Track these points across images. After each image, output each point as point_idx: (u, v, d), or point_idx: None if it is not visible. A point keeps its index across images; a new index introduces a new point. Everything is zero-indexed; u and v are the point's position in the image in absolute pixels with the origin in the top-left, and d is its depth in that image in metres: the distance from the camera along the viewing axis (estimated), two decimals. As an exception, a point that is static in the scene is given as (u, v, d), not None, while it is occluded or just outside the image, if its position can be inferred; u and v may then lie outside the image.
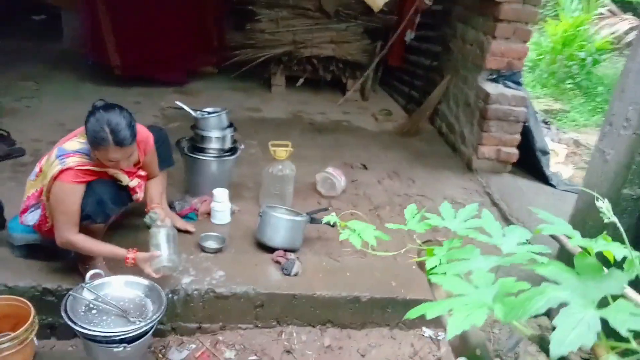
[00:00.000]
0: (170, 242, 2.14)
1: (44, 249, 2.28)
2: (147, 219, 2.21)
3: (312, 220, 2.65)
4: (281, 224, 2.51)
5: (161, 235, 2.14)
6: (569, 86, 7.29)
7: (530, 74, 7.68)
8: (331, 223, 2.65)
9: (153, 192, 2.33)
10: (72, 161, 1.96)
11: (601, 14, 8.70)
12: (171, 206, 2.76)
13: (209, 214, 2.81)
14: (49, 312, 2.18)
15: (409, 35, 5.19)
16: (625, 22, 8.23)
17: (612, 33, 8.09)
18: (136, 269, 2.12)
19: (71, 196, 1.95)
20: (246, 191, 3.20)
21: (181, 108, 2.84)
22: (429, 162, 3.92)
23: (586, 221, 2.26)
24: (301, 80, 5.21)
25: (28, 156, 3.32)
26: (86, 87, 4.85)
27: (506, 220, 3.14)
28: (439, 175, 3.72)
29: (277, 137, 4.07)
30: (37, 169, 2.11)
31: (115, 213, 2.13)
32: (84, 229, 2.04)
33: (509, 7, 3.56)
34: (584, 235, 0.95)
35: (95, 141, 1.91)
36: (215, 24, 5.11)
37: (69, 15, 5.71)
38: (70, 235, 2.00)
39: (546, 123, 5.66)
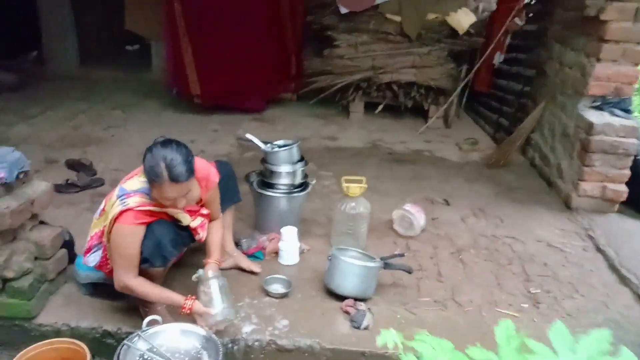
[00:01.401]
0: (223, 294, 2.00)
1: (109, 287, 2.22)
2: (195, 277, 2.08)
3: (387, 266, 2.41)
4: (351, 270, 2.29)
5: (213, 290, 2.00)
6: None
7: (635, 97, 6.93)
8: (409, 271, 2.43)
9: (210, 240, 2.20)
10: (133, 201, 1.88)
11: None
12: (238, 244, 2.64)
13: (276, 252, 2.66)
14: (109, 355, 2.10)
15: (498, 58, 4.84)
16: None
17: None
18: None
19: (130, 239, 1.87)
20: (317, 228, 3.02)
21: (250, 141, 2.73)
22: (520, 198, 3.54)
23: None
24: (380, 107, 5.01)
25: (107, 186, 3.37)
26: (168, 115, 4.97)
27: (614, 270, 2.70)
28: (531, 214, 3.33)
29: (353, 168, 3.92)
30: (101, 207, 2.07)
31: (174, 256, 2.03)
32: (143, 272, 1.95)
33: (617, 25, 3.15)
34: None
35: (151, 177, 1.84)
36: (294, 51, 5.06)
37: (158, 46, 5.94)
38: (128, 280, 1.92)
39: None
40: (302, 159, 2.76)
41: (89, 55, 6.68)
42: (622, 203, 3.29)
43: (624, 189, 3.24)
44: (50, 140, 4.13)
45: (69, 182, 3.29)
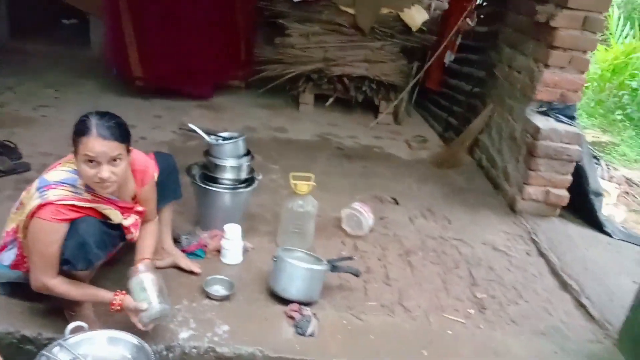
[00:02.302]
0: (158, 289, 1.85)
1: (29, 287, 2.00)
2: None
3: (334, 269, 2.32)
4: (298, 273, 2.19)
5: (146, 284, 1.84)
6: (618, 117, 6.78)
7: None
8: (356, 274, 2.35)
9: (142, 242, 2.02)
10: (54, 194, 1.68)
11: (656, 41, 8.15)
12: (177, 241, 2.47)
13: (219, 251, 2.51)
14: (27, 363, 1.90)
15: (449, 57, 4.85)
16: (682, 51, 7.66)
17: (669, 62, 7.54)
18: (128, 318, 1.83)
19: (49, 236, 1.68)
20: (263, 224, 2.89)
21: (194, 131, 2.56)
22: (467, 200, 3.55)
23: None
24: (331, 100, 4.91)
25: (34, 172, 3.08)
26: (108, 98, 4.65)
27: (556, 275, 2.74)
28: (478, 216, 3.34)
29: (302, 162, 3.81)
30: (19, 200, 1.85)
31: (101, 259, 1.83)
32: (65, 274, 1.76)
33: (566, 33, 3.19)
34: None
35: (76, 132, 1.69)
36: (244, 36, 4.85)
37: (97, 21, 5.56)
38: (46, 279, 1.73)
39: (595, 158, 5.20)
40: (248, 152, 2.61)
41: (21, 26, 6.15)
42: (563, 208, 3.37)
43: (566, 194, 3.31)
44: (-29, 119, 3.76)
45: (-11, 166, 2.99)
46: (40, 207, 1.67)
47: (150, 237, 2.04)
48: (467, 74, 4.49)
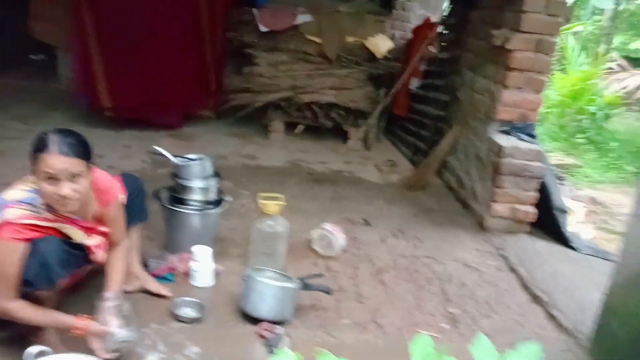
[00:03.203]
0: (124, 315, 1.81)
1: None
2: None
3: (305, 287, 2.31)
4: (268, 291, 2.16)
5: (111, 308, 1.80)
6: (580, 140, 7.04)
7: (539, 127, 7.45)
8: (328, 292, 2.34)
9: (110, 269, 1.98)
10: (12, 214, 1.65)
11: (610, 68, 8.58)
12: (145, 265, 2.43)
13: (188, 274, 2.47)
14: (-17, 396, 1.81)
15: (414, 84, 4.99)
16: (636, 77, 8.07)
17: (623, 88, 7.93)
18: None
19: (8, 256, 1.63)
20: (234, 248, 2.87)
21: (160, 154, 2.55)
22: (437, 220, 3.60)
23: (628, 300, 1.91)
24: (301, 127, 4.97)
25: (-3, 202, 3.01)
26: (77, 128, 4.37)
27: (527, 289, 2.78)
28: (448, 235, 3.38)
29: (273, 187, 3.80)
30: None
31: (63, 277, 1.78)
32: (29, 297, 1.71)
33: (521, 55, 3.33)
34: (626, 317, 0.60)
35: (35, 148, 1.66)
36: (213, 66, 4.90)
37: (65, 55, 5.55)
38: (6, 303, 1.67)
39: (560, 178, 5.36)
40: (217, 173, 2.61)
41: (-12, 62, 6.10)
42: (531, 225, 3.44)
43: (532, 210, 3.38)
44: None
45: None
46: (-1, 227, 1.63)
47: (118, 261, 2.00)
48: (433, 99, 4.61)
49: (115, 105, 4.49)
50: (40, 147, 1.64)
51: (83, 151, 1.70)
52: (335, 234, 2.91)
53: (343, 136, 5.18)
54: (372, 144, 5.08)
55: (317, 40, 4.65)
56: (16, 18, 5.93)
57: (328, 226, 2.95)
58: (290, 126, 5.06)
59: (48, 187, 1.65)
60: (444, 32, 4.70)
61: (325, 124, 4.92)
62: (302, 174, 4.21)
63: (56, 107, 5.10)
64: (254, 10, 4.64)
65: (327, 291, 2.34)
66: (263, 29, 4.56)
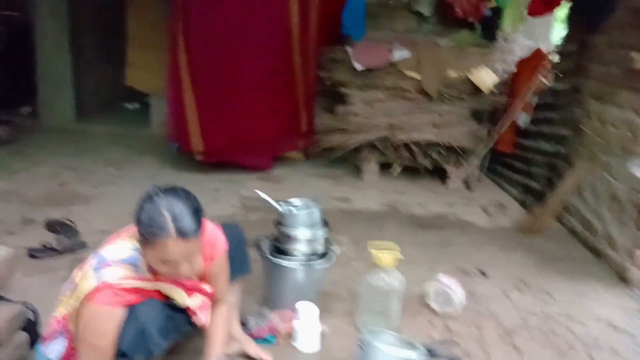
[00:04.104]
0: None
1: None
2: None
3: (431, 355, 1.92)
4: (390, 362, 1.80)
5: None
6: None
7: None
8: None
9: (214, 329, 1.75)
10: (112, 274, 1.43)
11: None
12: (244, 324, 2.15)
13: (291, 335, 2.17)
14: None
15: (524, 119, 4.54)
16: None
17: None
18: None
19: (105, 325, 1.41)
20: (339, 303, 2.54)
21: (263, 199, 2.31)
22: (565, 270, 3.09)
23: None
24: (398, 169, 4.63)
25: (90, 250, 2.90)
26: (166, 173, 4.58)
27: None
28: (582, 288, 2.87)
29: (372, 232, 3.47)
30: (71, 279, 1.61)
31: (163, 348, 1.53)
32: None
33: (669, 77, 2.84)
34: None
35: (150, 232, 1.39)
36: (305, 106, 4.73)
37: (158, 101, 5.66)
38: None
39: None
40: (325, 223, 2.32)
41: (86, 111, 6.38)
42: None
43: (690, 261, 2.80)
44: (31, 198, 3.70)
45: (45, 245, 2.83)
46: (97, 290, 1.41)
47: (220, 322, 1.75)
48: (547, 134, 4.13)
49: (206, 148, 4.41)
50: (156, 232, 1.39)
51: (199, 224, 1.46)
52: (454, 288, 2.51)
53: (441, 176, 4.80)
54: (475, 184, 4.64)
55: (416, 76, 4.35)
56: (113, 68, 6.20)
57: (444, 279, 2.56)
58: (384, 167, 4.75)
59: (164, 269, 1.45)
60: (559, 61, 4.25)
61: (423, 165, 4.55)
62: (402, 218, 3.85)
63: (147, 152, 5.15)
64: (348, 48, 4.46)
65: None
66: (358, 67, 4.35)
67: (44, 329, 1.90)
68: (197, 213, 1.44)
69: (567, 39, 4.18)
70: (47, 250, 2.80)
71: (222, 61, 4.22)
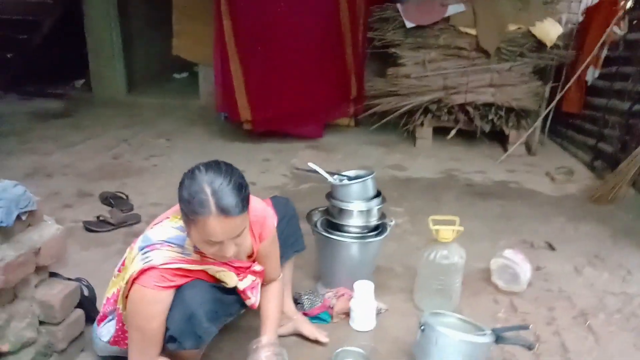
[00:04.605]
0: None
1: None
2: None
3: (499, 340, 1.78)
4: (454, 347, 1.67)
5: (269, 357, 1.46)
6: None
7: None
8: (529, 347, 1.78)
9: (266, 311, 1.66)
10: (159, 256, 1.36)
11: None
12: (297, 302, 2.08)
13: (346, 313, 2.07)
14: None
15: (592, 74, 4.16)
16: None
17: None
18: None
19: (151, 307, 1.35)
20: (394, 279, 2.42)
21: (315, 171, 2.19)
22: (645, 243, 2.82)
23: None
24: (453, 132, 4.38)
25: (144, 224, 2.90)
26: (216, 143, 4.54)
27: None
28: (667, 265, 2.61)
29: (429, 203, 3.31)
30: (122, 259, 1.56)
31: (213, 334, 1.46)
32: (170, 354, 1.41)
33: None
34: None
35: (191, 210, 1.29)
36: (354, 71, 4.52)
37: (206, 70, 5.60)
38: None
39: None
40: (378, 194, 2.18)
41: (137, 82, 6.44)
42: None
43: None
44: (87, 171, 3.75)
45: (100, 218, 2.85)
46: (142, 272, 1.35)
47: (274, 302, 1.67)
48: (621, 91, 3.77)
49: (254, 117, 4.33)
50: (195, 209, 1.28)
51: (244, 200, 1.34)
52: (520, 264, 2.33)
53: (500, 140, 4.52)
54: (537, 148, 4.34)
55: (472, 32, 4.06)
56: (161, 38, 6.17)
57: (510, 254, 2.38)
58: (438, 132, 4.51)
59: (208, 249, 1.35)
60: (633, 7, 3.83)
61: (481, 128, 4.28)
62: (460, 187, 3.65)
63: (197, 123, 5.14)
64: (398, 5, 4.19)
65: (530, 347, 1.79)
66: (409, 24, 4.09)
67: (100, 306, 1.90)
68: (242, 189, 1.33)
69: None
70: (102, 224, 2.81)
71: (266, 27, 4.06)
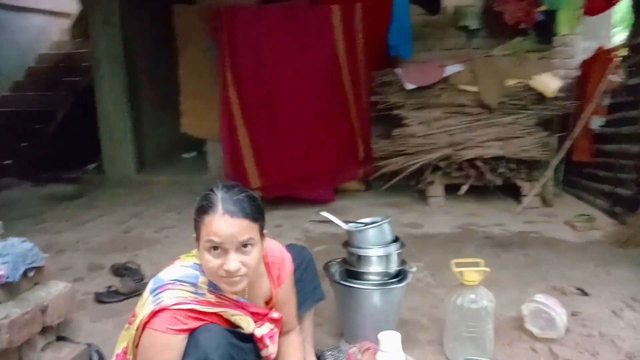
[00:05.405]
0: None
1: None
2: None
3: (543, 385, 1.62)
4: (496, 394, 1.52)
5: None
6: None
7: None
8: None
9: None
10: (171, 297, 1.28)
11: None
12: (320, 358, 1.94)
13: (373, 369, 1.92)
14: None
15: (597, 122, 4.17)
16: None
17: None
18: None
19: (164, 354, 1.25)
20: (422, 332, 2.28)
21: (328, 221, 2.13)
22: (682, 283, 2.67)
23: None
24: (465, 187, 4.33)
25: (156, 292, 2.80)
26: (227, 214, 4.50)
27: None
28: None
29: (449, 256, 3.12)
30: (133, 312, 1.47)
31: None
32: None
33: None
34: None
35: (200, 210, 1.33)
36: (360, 133, 4.57)
37: (214, 145, 5.69)
38: None
39: None
40: (396, 239, 2.10)
41: (147, 162, 6.54)
42: None
43: None
44: (99, 245, 3.70)
45: (111, 289, 2.76)
46: (153, 314, 1.26)
47: (295, 351, 1.55)
48: (629, 134, 3.76)
49: (264, 184, 4.33)
50: (204, 206, 1.31)
51: (255, 210, 1.33)
52: (554, 309, 2.19)
53: (513, 193, 4.45)
54: (552, 199, 4.26)
55: (473, 89, 4.13)
56: (170, 120, 6.35)
57: (541, 298, 2.25)
58: (450, 190, 4.47)
59: (212, 260, 1.29)
60: (629, 55, 3.92)
61: (492, 182, 4.23)
62: (479, 239, 3.54)
63: (207, 196, 5.13)
64: (397, 70, 4.31)
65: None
66: (410, 86, 4.19)
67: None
68: (253, 199, 1.35)
69: (635, 30, 3.85)
70: (113, 294, 2.72)
71: (271, 94, 4.18)
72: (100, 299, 2.71)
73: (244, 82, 4.14)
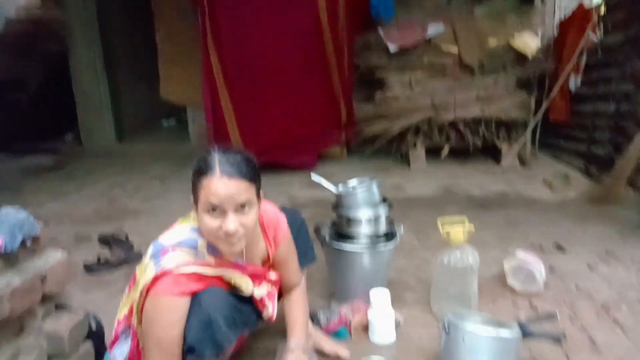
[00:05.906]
0: None
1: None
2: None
3: (526, 335, 1.72)
4: (482, 344, 1.61)
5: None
6: None
7: None
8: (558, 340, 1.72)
9: (292, 317, 1.63)
10: (172, 260, 1.31)
11: None
12: (313, 319, 2.00)
13: (365, 327, 2.00)
14: None
15: (575, 83, 4.25)
16: None
17: None
18: None
19: (168, 315, 1.29)
20: (409, 292, 2.36)
21: (318, 183, 2.17)
22: (654, 238, 2.81)
23: None
24: (446, 150, 4.41)
25: (146, 261, 2.83)
26: (211, 181, 4.50)
27: None
28: (680, 253, 2.59)
29: (432, 218, 3.21)
30: (133, 276, 1.50)
31: (232, 341, 1.39)
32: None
33: None
34: None
35: (197, 171, 1.34)
36: (343, 96, 4.57)
37: (194, 113, 5.64)
38: None
39: None
40: (384, 200, 2.16)
41: (126, 131, 6.46)
42: None
43: None
44: (84, 216, 3.68)
45: (100, 259, 2.77)
46: (156, 279, 1.29)
47: (300, 306, 1.64)
48: (605, 95, 3.84)
49: (248, 150, 4.31)
50: (201, 169, 1.32)
51: (252, 171, 1.36)
52: (534, 264, 2.29)
53: (493, 155, 4.55)
54: (530, 159, 4.37)
55: (454, 49, 4.15)
56: (148, 86, 6.24)
57: (522, 255, 2.35)
58: (431, 153, 4.54)
59: (211, 222, 1.31)
60: (606, 13, 3.96)
61: (473, 143, 4.31)
62: (461, 201, 3.64)
63: (189, 165, 5.05)
64: (380, 30, 4.29)
65: (558, 339, 1.73)
66: (393, 47, 4.18)
67: (108, 338, 1.82)
68: (250, 161, 1.37)
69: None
70: (102, 264, 2.73)
71: (253, 58, 4.13)
72: (89, 269, 2.71)
73: (225, 47, 4.08)
